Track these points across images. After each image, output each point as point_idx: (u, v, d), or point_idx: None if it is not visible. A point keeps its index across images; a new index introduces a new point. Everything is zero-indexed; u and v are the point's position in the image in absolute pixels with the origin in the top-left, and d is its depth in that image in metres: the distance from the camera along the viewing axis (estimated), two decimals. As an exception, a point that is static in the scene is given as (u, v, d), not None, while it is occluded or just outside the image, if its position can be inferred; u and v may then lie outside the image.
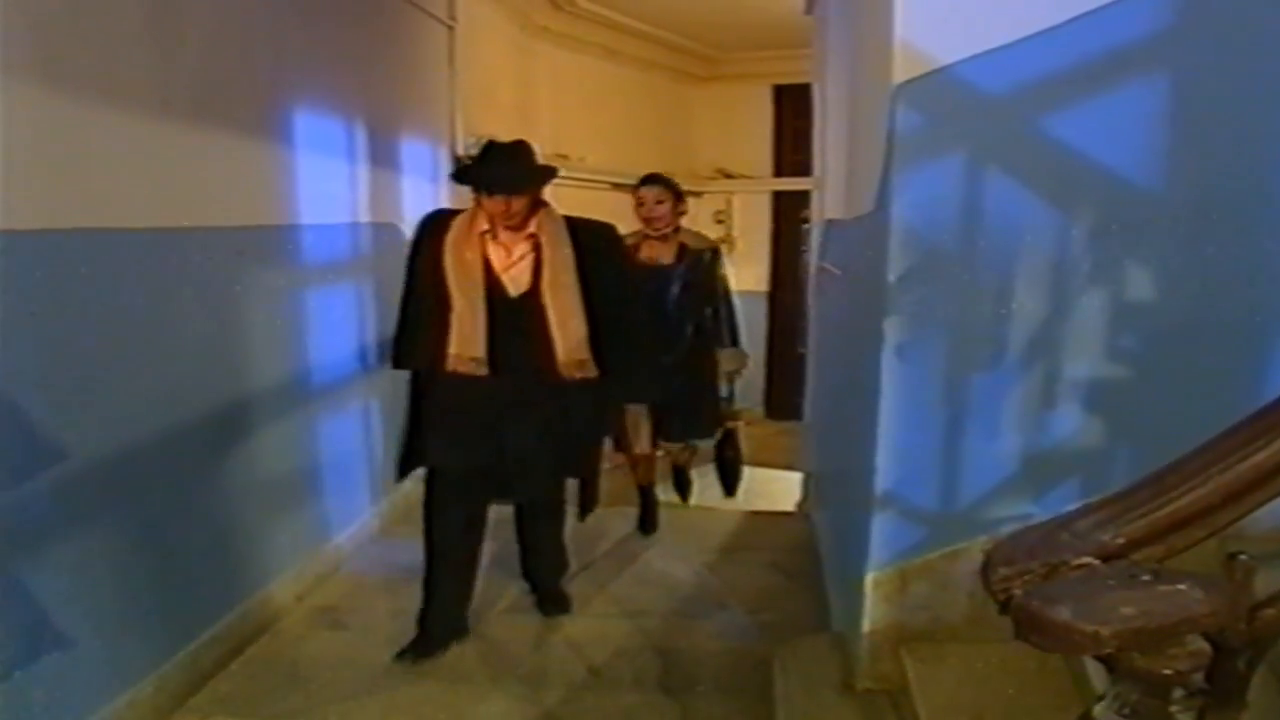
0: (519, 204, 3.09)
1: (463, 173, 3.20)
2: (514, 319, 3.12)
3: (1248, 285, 2.38)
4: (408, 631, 3.24)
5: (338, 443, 4.06)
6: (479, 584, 3.40)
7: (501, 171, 3.10)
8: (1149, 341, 2.46)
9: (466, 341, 3.08)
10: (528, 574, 3.70)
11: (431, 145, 5.26)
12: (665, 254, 4.40)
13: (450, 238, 3.12)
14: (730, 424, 4.92)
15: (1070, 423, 2.49)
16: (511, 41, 6.63)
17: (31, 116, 2.37)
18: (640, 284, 3.93)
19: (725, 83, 8.90)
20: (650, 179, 4.46)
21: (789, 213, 8.52)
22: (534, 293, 3.13)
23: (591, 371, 3.15)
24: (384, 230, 4.44)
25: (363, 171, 4.25)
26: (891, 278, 2.50)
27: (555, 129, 7.24)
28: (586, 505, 3.43)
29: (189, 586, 2.98)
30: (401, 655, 3.17)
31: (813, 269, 5.20)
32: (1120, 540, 1.16)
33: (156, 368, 2.84)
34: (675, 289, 4.32)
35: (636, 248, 4.32)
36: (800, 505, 5.31)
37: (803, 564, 4.09)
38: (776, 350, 8.72)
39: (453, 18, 5.42)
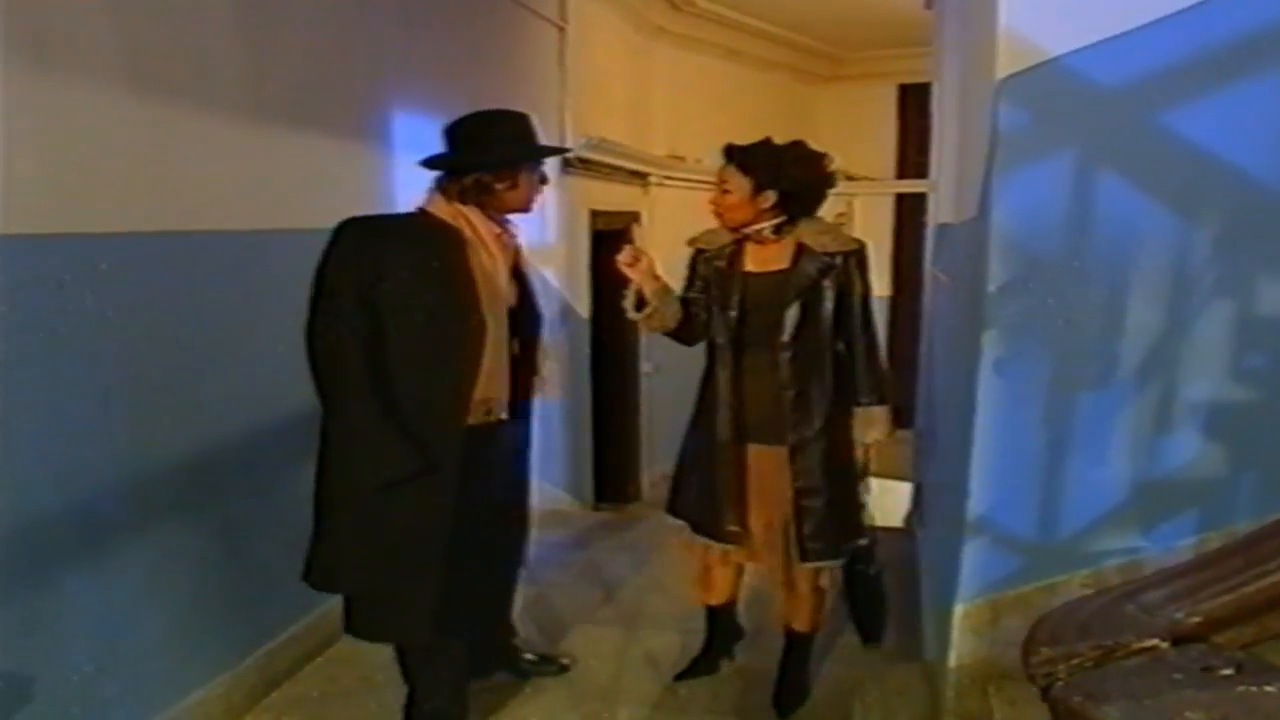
0: None
1: (528, 145, 2.60)
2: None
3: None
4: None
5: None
6: (567, 595, 3.31)
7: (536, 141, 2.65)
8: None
9: (491, 381, 2.47)
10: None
11: (540, 147, 5.22)
12: (777, 261, 2.91)
13: (476, 250, 2.47)
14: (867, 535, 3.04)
15: (1188, 449, 2.27)
16: (626, 42, 6.57)
17: (119, 120, 2.41)
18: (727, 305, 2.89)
19: (849, 82, 8.66)
20: (727, 152, 2.98)
21: (911, 216, 8.24)
22: (524, 304, 2.65)
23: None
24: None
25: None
26: (991, 288, 2.32)
27: (671, 130, 7.16)
28: None
29: (269, 587, 3.00)
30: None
31: (927, 274, 4.98)
32: (1197, 619, 0.92)
33: (242, 369, 2.86)
34: (790, 316, 2.84)
35: (736, 255, 2.96)
36: (908, 520, 5.08)
37: (904, 585, 3.88)
38: (896, 356, 8.43)
39: (564, 19, 5.39)
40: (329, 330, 2.34)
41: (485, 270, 2.44)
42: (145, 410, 2.51)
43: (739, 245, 2.97)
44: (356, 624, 2.55)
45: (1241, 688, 0.84)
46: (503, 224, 2.55)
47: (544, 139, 2.73)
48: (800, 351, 2.84)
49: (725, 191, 2.92)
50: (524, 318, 2.63)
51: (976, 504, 2.37)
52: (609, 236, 6.23)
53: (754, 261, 2.94)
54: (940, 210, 4.12)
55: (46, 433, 2.22)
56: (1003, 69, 2.24)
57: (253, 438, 2.92)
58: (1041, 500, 2.35)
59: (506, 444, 2.60)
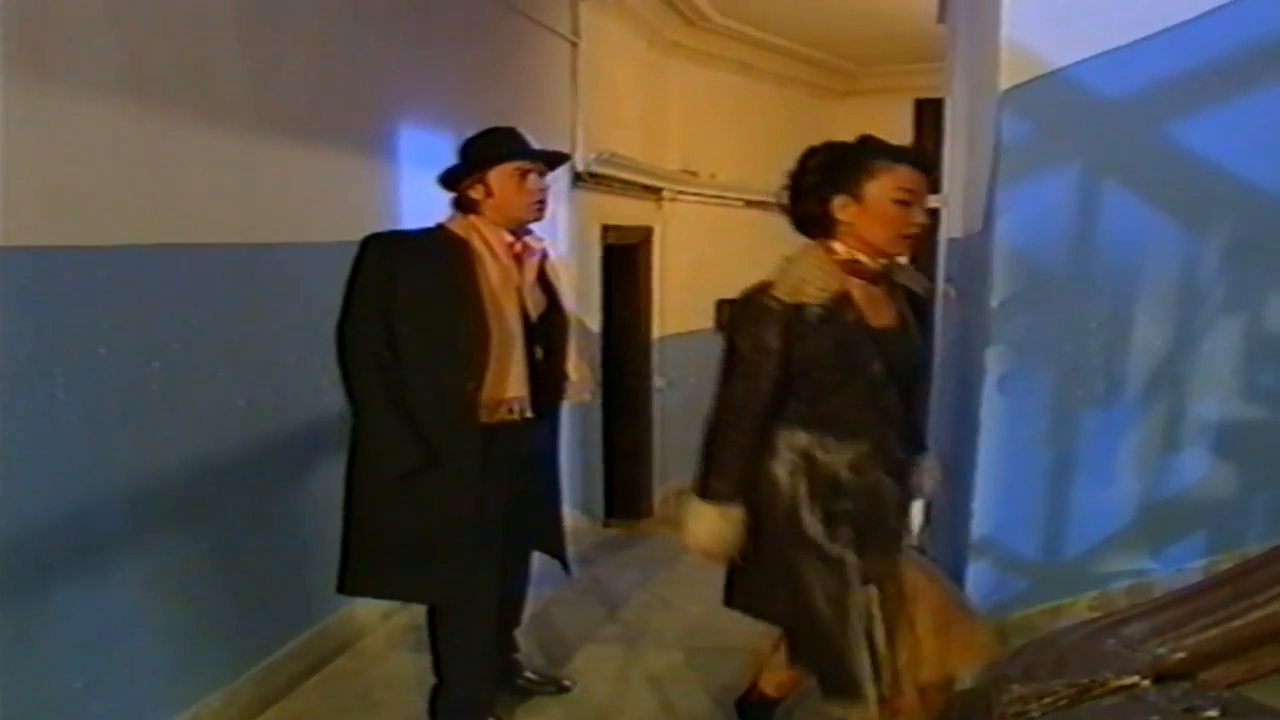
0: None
1: (491, 149, 2.57)
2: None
3: None
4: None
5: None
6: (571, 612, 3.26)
7: (530, 144, 2.62)
8: (1294, 379, 2.17)
9: (502, 382, 2.52)
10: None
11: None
12: (884, 312, 2.16)
13: (483, 261, 2.53)
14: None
15: (1197, 468, 2.22)
16: (639, 57, 6.56)
17: (119, 133, 2.40)
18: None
19: (864, 97, 8.63)
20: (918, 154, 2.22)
21: (926, 231, 8.17)
22: (552, 311, 2.68)
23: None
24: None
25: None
26: (994, 303, 2.29)
27: (685, 145, 7.15)
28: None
29: (266, 602, 2.97)
30: None
31: (939, 290, 4.92)
32: (1181, 655, 0.85)
33: (241, 382, 2.84)
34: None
35: (843, 302, 2.11)
36: (919, 536, 5.01)
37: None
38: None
39: (576, 34, 5.38)
40: (351, 337, 2.51)
41: (493, 280, 2.54)
42: (142, 423, 2.50)
43: (846, 292, 2.13)
44: (386, 583, 2.70)
45: (1225, 731, 0.78)
46: (520, 234, 2.61)
47: (531, 146, 2.66)
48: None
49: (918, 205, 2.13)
50: (550, 324, 2.68)
51: (980, 524, 2.34)
52: (621, 251, 6.23)
53: (868, 311, 2.13)
54: (951, 225, 4.08)
55: (41, 445, 2.21)
56: (1006, 80, 2.22)
57: (252, 451, 2.90)
58: (1047, 520, 2.31)
59: (531, 442, 2.68)
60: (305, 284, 3.10)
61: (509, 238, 2.57)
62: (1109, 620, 0.93)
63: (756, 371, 2.11)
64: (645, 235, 6.64)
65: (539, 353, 2.64)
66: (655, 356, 6.78)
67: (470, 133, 2.64)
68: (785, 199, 2.27)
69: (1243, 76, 2.07)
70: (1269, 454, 2.19)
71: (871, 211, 2.09)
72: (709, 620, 3.66)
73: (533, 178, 2.58)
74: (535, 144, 2.67)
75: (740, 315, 2.18)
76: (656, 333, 6.77)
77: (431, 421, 2.50)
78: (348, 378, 2.52)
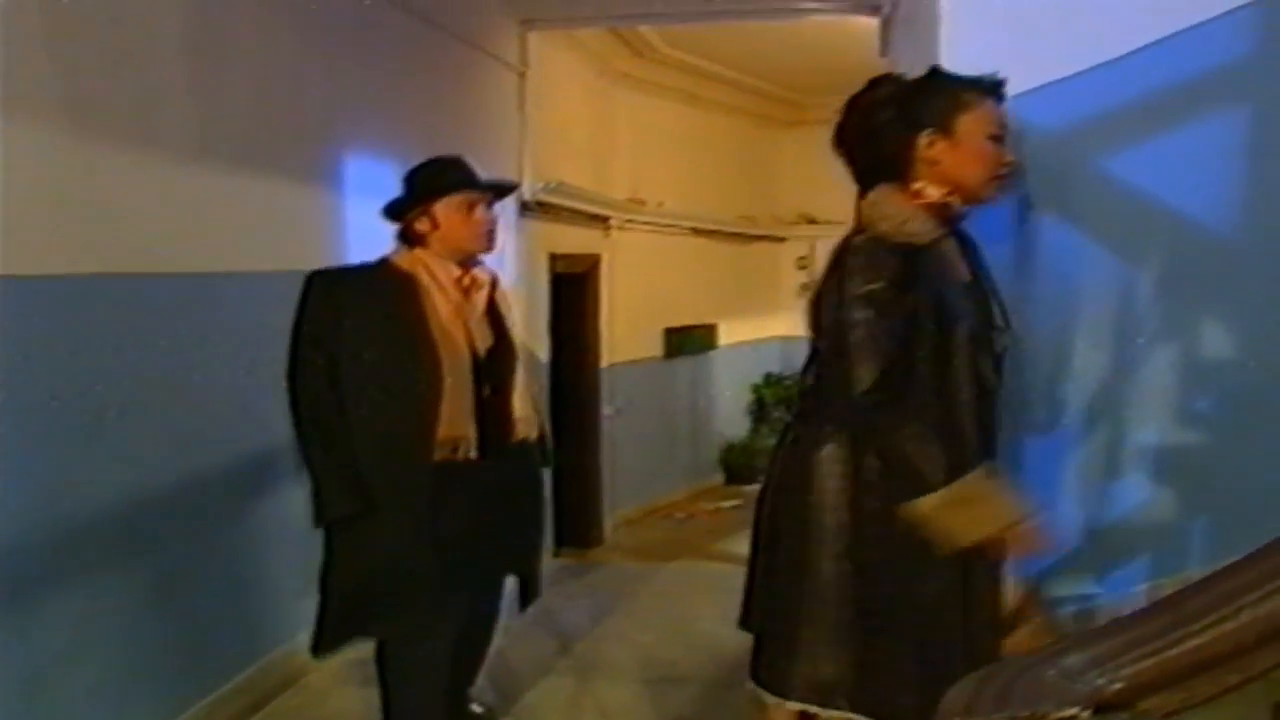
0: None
1: (436, 180, 2.51)
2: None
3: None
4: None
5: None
6: (521, 643, 3.23)
7: (477, 175, 2.56)
8: (1228, 404, 2.22)
9: (450, 421, 2.44)
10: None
11: (499, 190, 5.21)
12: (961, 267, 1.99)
13: (431, 296, 2.46)
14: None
15: (1138, 493, 2.26)
16: (588, 87, 6.60)
17: (57, 162, 2.37)
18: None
19: (810, 127, 8.72)
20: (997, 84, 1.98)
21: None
22: (500, 346, 2.59)
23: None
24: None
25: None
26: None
27: (633, 174, 7.19)
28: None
29: (207, 639, 2.90)
30: None
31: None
32: (1119, 685, 0.86)
33: (181, 413, 2.79)
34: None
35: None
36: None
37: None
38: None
39: (524, 64, 5.40)
40: (297, 377, 2.44)
41: (442, 315, 2.47)
42: (79, 454, 2.44)
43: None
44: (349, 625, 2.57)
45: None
46: (468, 266, 2.54)
47: (478, 176, 2.59)
48: None
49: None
50: (498, 359, 2.58)
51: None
52: (569, 279, 6.23)
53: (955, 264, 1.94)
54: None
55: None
56: (945, 115, 2.24)
57: (194, 483, 2.84)
58: (991, 547, 2.32)
59: (483, 483, 2.54)
60: (250, 313, 3.06)
61: (456, 271, 2.50)
62: (1051, 650, 0.92)
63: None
64: (593, 264, 6.65)
65: (486, 389, 2.54)
66: (604, 384, 6.77)
67: (416, 162, 2.61)
68: (846, 140, 2.01)
69: (1172, 111, 2.12)
70: (1206, 478, 2.23)
71: (965, 148, 1.86)
72: (661, 651, 3.66)
73: (481, 209, 2.53)
74: (482, 173, 2.62)
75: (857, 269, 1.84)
76: (605, 360, 6.77)
77: (381, 462, 2.43)
78: (295, 418, 2.45)
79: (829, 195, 8.91)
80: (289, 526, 3.24)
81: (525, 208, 5.33)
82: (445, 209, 2.48)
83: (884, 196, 1.91)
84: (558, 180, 5.66)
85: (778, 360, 8.78)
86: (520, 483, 2.74)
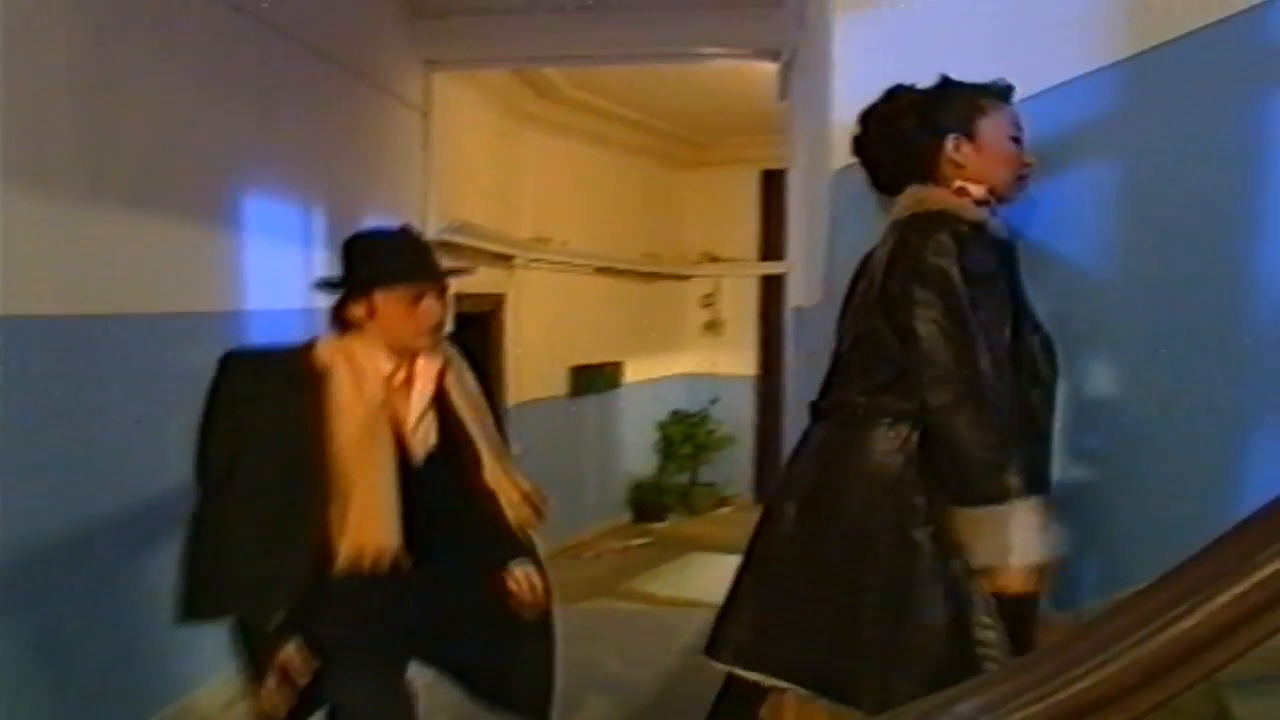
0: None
1: (380, 266, 2.15)
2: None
3: (1223, 381, 2.20)
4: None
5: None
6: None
7: (430, 259, 2.22)
8: (1114, 442, 2.30)
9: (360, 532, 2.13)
10: None
11: (401, 229, 5.18)
12: None
13: (344, 396, 2.11)
14: None
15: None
16: (492, 127, 6.62)
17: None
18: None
19: (713, 168, 8.90)
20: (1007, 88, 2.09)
21: (776, 297, 8.44)
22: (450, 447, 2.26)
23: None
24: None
25: (320, 256, 4.15)
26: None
27: (538, 213, 7.21)
28: None
29: (97, 693, 2.79)
30: None
31: (788, 355, 5.07)
32: None
33: (70, 459, 2.70)
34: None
35: None
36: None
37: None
38: (765, 439, 8.55)
39: (428, 104, 5.40)
40: (198, 464, 2.14)
41: (356, 419, 2.12)
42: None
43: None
44: None
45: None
46: (405, 359, 2.17)
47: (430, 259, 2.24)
48: None
49: None
50: (449, 457, 2.24)
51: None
52: (474, 318, 6.20)
53: None
54: (795, 293, 4.21)
55: None
56: (837, 161, 2.31)
57: (81, 532, 2.74)
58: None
59: (405, 599, 2.23)
60: (142, 356, 2.98)
61: (387, 366, 2.14)
62: (943, 698, 0.95)
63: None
64: (498, 303, 6.64)
65: (427, 493, 2.19)
66: (510, 423, 6.72)
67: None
68: (867, 149, 2.05)
69: (1054, 159, 2.21)
70: (1095, 515, 2.31)
71: (989, 150, 1.94)
72: (568, 693, 3.62)
73: (429, 299, 2.13)
74: (433, 250, 2.29)
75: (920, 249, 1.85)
76: (511, 399, 6.74)
77: (266, 568, 2.09)
78: (193, 513, 2.14)
79: (732, 234, 9.17)
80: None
81: (429, 248, 5.30)
82: (386, 299, 2.11)
83: (926, 189, 1.96)
84: (461, 220, 5.65)
85: (684, 397, 8.86)
86: (465, 590, 2.37)
